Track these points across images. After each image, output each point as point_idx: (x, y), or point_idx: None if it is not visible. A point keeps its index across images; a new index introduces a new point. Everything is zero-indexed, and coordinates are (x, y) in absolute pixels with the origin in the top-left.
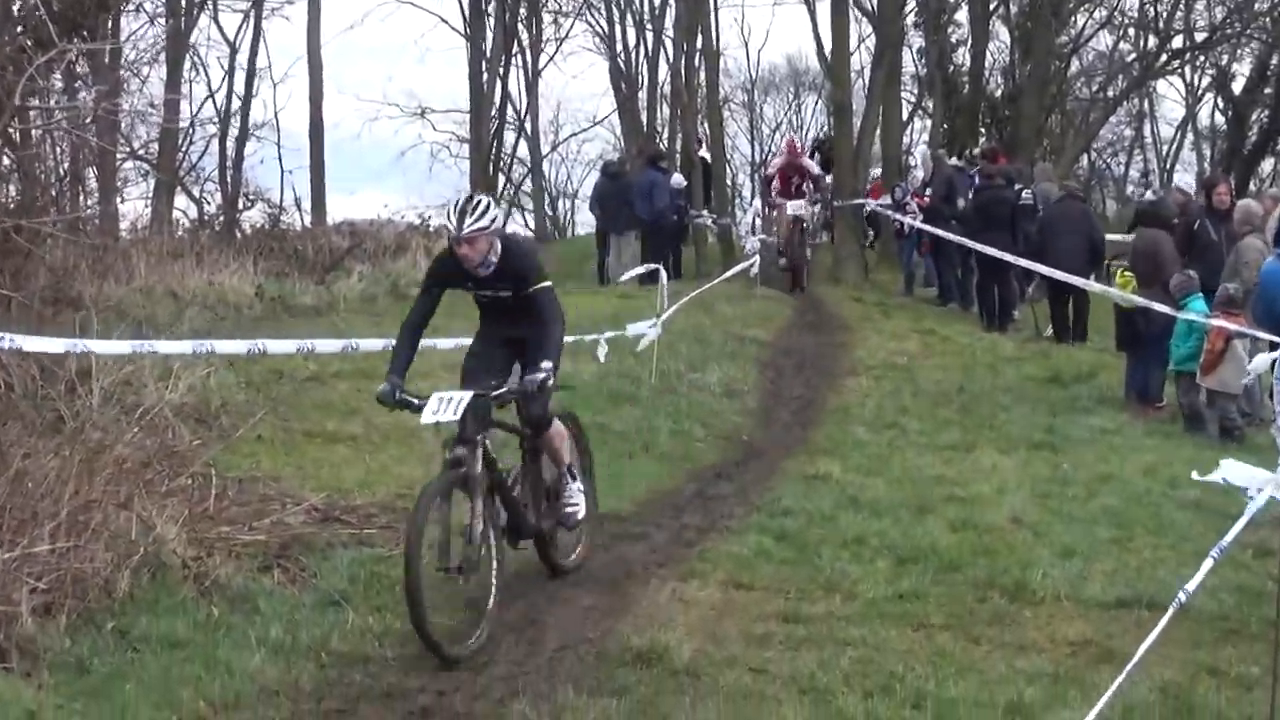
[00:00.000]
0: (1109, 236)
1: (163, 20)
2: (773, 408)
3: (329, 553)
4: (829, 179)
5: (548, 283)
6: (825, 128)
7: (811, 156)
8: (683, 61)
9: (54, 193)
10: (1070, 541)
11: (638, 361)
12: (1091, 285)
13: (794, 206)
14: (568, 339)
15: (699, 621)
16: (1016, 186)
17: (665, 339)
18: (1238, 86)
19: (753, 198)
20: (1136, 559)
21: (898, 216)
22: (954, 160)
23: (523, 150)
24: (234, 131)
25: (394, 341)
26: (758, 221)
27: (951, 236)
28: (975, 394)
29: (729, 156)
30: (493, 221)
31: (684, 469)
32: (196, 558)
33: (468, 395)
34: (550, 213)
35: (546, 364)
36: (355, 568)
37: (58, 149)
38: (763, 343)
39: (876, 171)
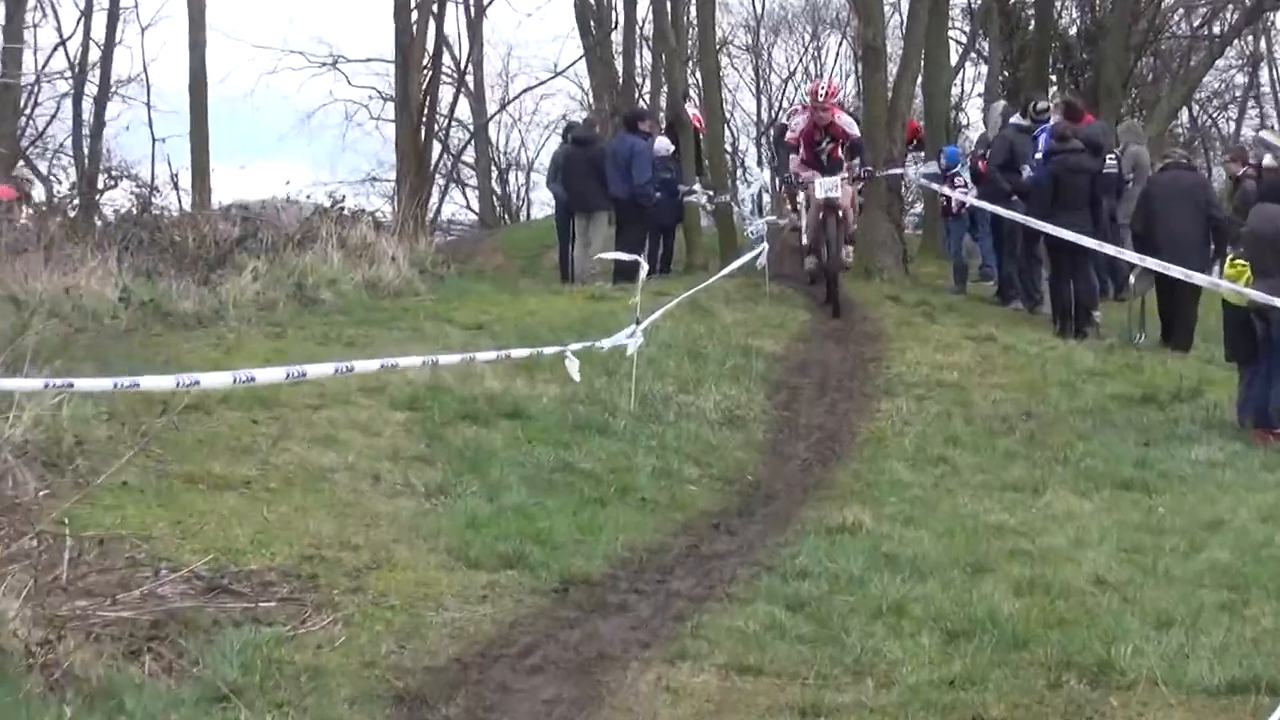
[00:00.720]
0: None
1: None
2: (786, 440)
3: (215, 633)
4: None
5: None
6: (851, 77)
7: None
8: None
9: None
10: (1168, 608)
11: (612, 381)
12: (1196, 277)
13: (827, 185)
14: (525, 351)
15: (692, 718)
16: (1107, 155)
17: (648, 352)
18: None
19: (760, 166)
20: (1253, 630)
21: (944, 191)
22: (1016, 118)
23: (464, 110)
24: (91, 89)
25: None
26: (766, 197)
27: (1014, 215)
28: (1046, 419)
29: (729, 114)
30: None
31: (673, 519)
32: (44, 641)
33: (839, 179)
34: (499, 190)
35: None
36: (249, 653)
37: None
38: (773, 356)
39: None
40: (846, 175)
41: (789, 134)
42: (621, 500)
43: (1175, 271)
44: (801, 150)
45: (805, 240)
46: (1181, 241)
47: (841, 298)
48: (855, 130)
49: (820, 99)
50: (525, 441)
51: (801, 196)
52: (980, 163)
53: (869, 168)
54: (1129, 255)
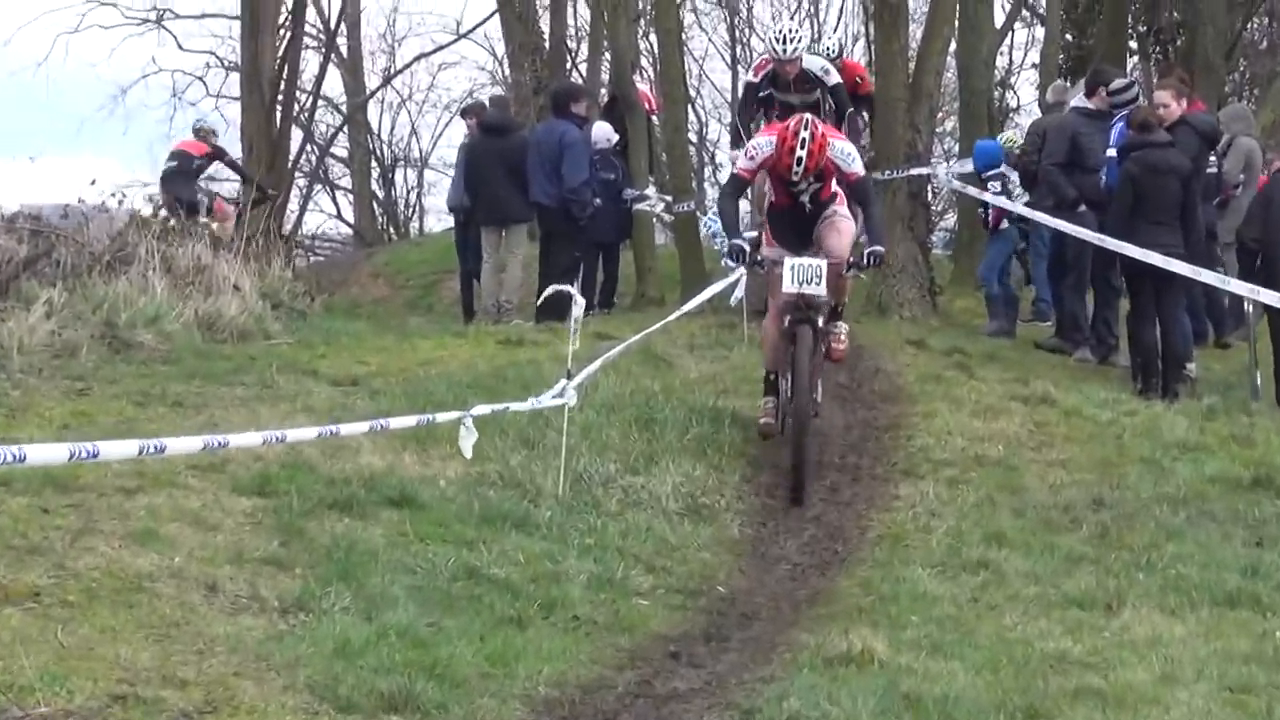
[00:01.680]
0: None
1: None
2: (771, 538)
3: None
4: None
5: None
6: (861, 42)
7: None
8: None
9: None
10: None
11: (534, 457)
12: None
13: (802, 271)
14: (410, 420)
15: None
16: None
17: (583, 417)
18: None
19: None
20: None
21: (984, 196)
22: (1082, 100)
23: (335, 86)
24: None
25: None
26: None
27: (1080, 231)
28: (1123, 510)
29: (694, 92)
30: None
31: (616, 645)
32: None
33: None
34: (381, 194)
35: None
36: None
37: None
38: (752, 423)
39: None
40: (843, 258)
41: (738, 163)
42: (546, 620)
43: None
44: (769, 189)
45: (765, 355)
46: None
47: (809, 469)
48: (857, 165)
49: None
50: (416, 539)
51: (764, 269)
52: (1032, 161)
53: (877, 249)
54: (1238, 286)
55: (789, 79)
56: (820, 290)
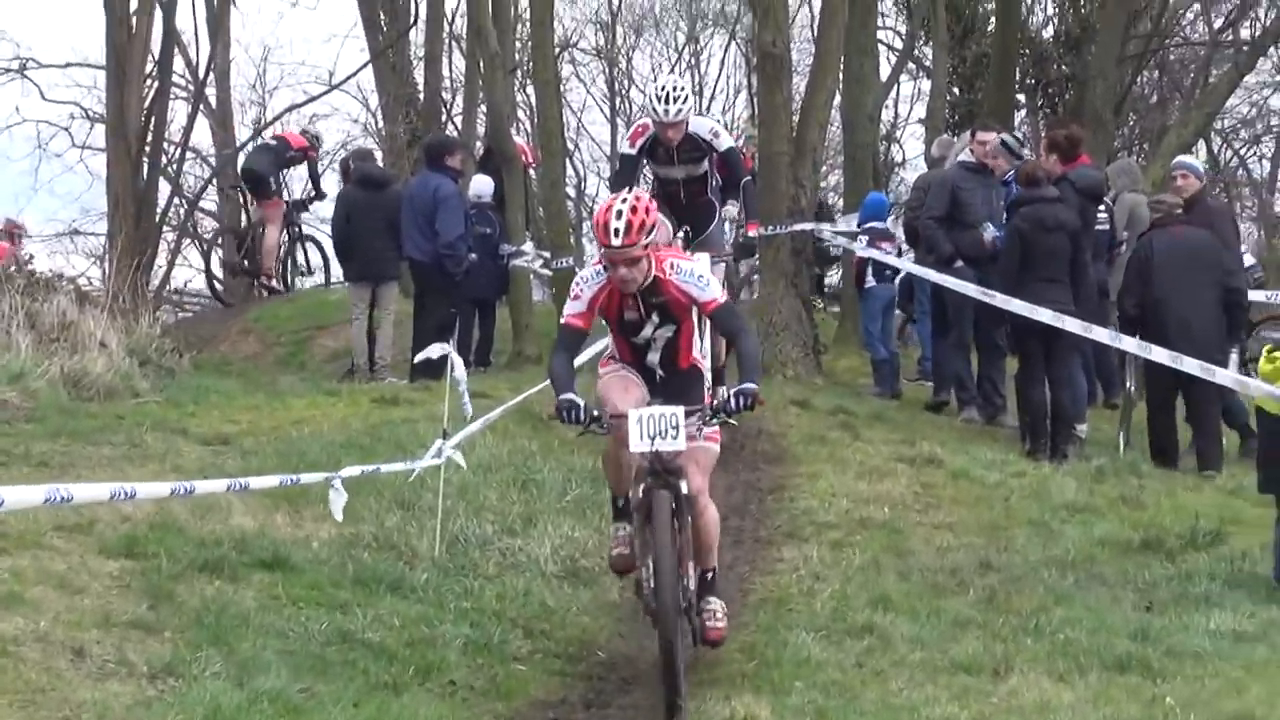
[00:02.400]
0: (1252, 293)
1: None
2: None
3: None
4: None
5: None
6: (743, 94)
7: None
8: None
9: None
10: None
11: (409, 518)
12: (1220, 374)
13: (651, 422)
14: (274, 480)
15: None
16: (1101, 205)
17: (459, 478)
18: None
19: None
20: None
21: (864, 250)
22: (966, 154)
23: (204, 137)
24: None
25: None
26: None
27: (962, 285)
28: (1011, 573)
29: (572, 144)
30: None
31: (493, 711)
32: None
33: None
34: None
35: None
36: None
37: None
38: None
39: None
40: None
41: (565, 310)
42: (422, 686)
43: (1190, 366)
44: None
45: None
46: (1194, 323)
47: (682, 679)
48: (713, 290)
49: (668, 109)
50: (288, 602)
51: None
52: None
53: (748, 386)
54: (1129, 344)
55: (671, 146)
56: (679, 444)
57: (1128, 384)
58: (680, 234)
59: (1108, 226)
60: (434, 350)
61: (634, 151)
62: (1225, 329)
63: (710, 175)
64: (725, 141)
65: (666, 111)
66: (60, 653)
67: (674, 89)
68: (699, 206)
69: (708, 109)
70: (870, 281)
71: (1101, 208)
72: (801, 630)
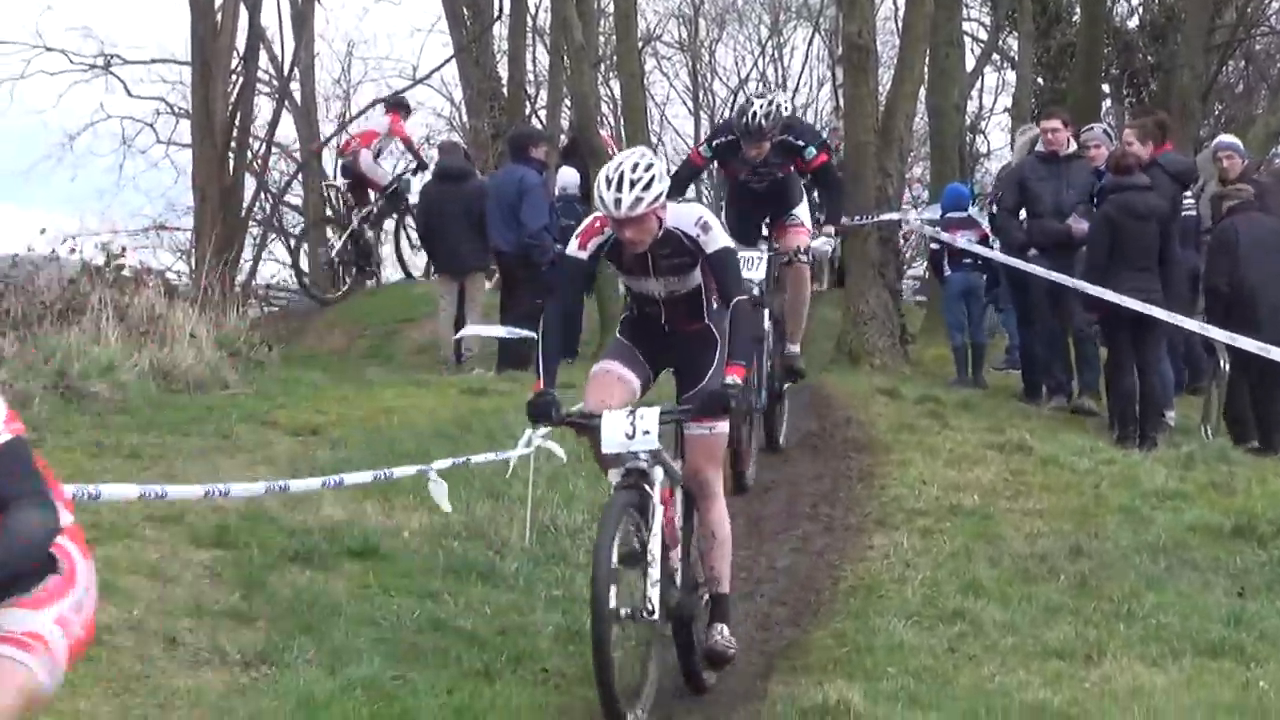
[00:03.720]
0: None
1: None
2: (742, 588)
3: None
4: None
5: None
6: (827, 86)
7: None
8: None
9: None
10: None
11: (500, 508)
12: None
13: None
14: (366, 476)
15: None
16: (1186, 194)
17: (549, 469)
18: None
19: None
20: None
21: (944, 237)
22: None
23: (289, 132)
24: None
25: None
26: None
27: (1048, 274)
28: (1102, 560)
29: (656, 136)
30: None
31: (586, 699)
32: None
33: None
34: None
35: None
36: None
37: None
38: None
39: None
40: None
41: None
42: (514, 673)
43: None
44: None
45: None
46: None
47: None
48: (717, 239)
49: (619, 197)
50: (380, 591)
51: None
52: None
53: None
54: (1218, 334)
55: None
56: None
57: (1222, 365)
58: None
59: (1194, 213)
60: (470, 330)
61: (583, 256)
62: None
63: (706, 292)
64: (718, 240)
65: (618, 202)
66: (154, 641)
67: (633, 168)
68: (690, 340)
69: (791, 102)
70: (947, 270)
71: (1188, 196)
72: (893, 616)
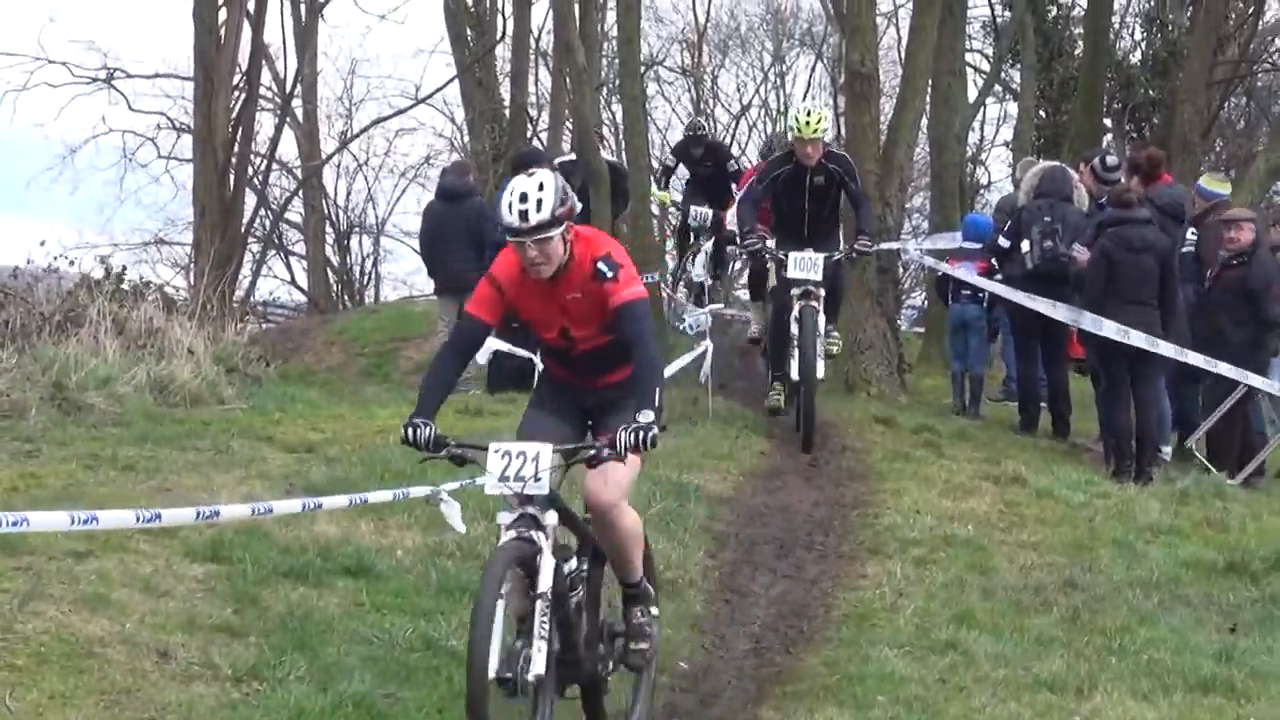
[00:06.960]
0: None
1: None
2: (735, 615)
3: None
4: None
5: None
6: (829, 113)
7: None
8: None
9: None
10: None
11: (493, 529)
12: None
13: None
14: (373, 496)
15: None
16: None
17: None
18: None
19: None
20: None
21: (943, 267)
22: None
23: (289, 149)
24: None
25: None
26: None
27: (1040, 305)
28: (1095, 593)
29: (658, 160)
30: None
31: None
32: None
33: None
34: (336, 260)
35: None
36: None
37: None
38: (718, 499)
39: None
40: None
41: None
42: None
43: (1260, 382)
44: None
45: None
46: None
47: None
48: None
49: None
50: (372, 609)
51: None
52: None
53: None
54: (1225, 369)
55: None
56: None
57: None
58: None
59: (1194, 250)
60: (508, 349)
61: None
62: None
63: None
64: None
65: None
66: (146, 654)
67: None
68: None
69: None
70: (952, 301)
71: (1191, 232)
72: (884, 645)
